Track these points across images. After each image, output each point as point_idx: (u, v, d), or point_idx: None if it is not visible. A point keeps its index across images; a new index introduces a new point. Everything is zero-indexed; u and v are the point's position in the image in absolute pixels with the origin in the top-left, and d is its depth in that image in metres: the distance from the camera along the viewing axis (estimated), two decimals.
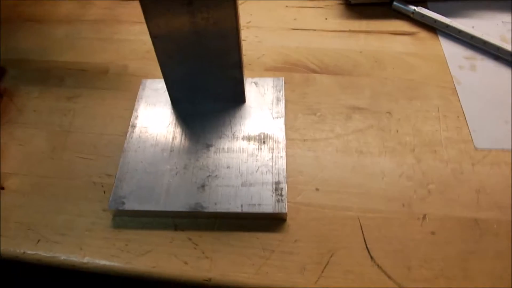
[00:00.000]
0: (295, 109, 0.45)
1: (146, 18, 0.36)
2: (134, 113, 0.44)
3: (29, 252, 0.38)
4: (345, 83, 0.47)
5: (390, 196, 0.38)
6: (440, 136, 0.42)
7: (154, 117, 0.44)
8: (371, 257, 0.35)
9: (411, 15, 0.52)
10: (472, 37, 0.49)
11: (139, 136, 0.42)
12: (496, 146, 0.41)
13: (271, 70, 0.49)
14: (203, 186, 0.39)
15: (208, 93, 0.43)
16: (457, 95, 0.45)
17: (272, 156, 0.40)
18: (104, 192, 0.40)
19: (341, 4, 0.56)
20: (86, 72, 0.51)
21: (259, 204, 0.37)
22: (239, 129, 0.42)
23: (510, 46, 0.47)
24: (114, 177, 0.40)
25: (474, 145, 0.41)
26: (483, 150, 0.41)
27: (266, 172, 0.39)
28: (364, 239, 0.36)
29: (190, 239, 0.37)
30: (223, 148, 0.41)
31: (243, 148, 0.41)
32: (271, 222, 0.38)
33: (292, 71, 0.49)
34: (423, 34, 0.51)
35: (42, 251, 0.37)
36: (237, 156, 0.40)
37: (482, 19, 0.52)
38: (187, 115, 0.44)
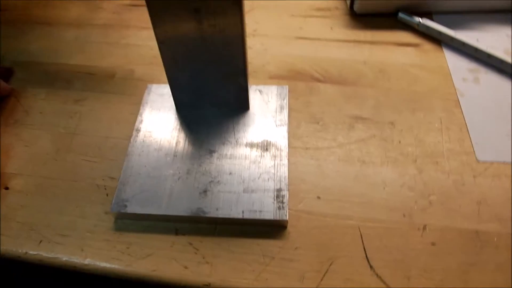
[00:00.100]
0: (299, 117, 0.45)
1: (153, 24, 0.36)
2: (139, 118, 0.45)
3: (31, 252, 0.38)
4: (349, 93, 0.47)
5: (391, 206, 0.39)
6: (442, 147, 0.42)
7: (159, 122, 0.44)
8: (371, 266, 0.35)
9: (416, 27, 0.53)
10: (476, 50, 0.49)
11: (143, 140, 0.43)
12: (498, 159, 0.41)
13: (276, 78, 0.50)
14: (205, 191, 0.39)
15: (212, 99, 0.44)
16: (460, 107, 0.45)
17: (274, 164, 0.40)
18: (107, 195, 0.41)
19: (346, 14, 0.56)
20: (94, 76, 0.51)
21: (260, 211, 0.37)
22: (242, 136, 0.42)
23: None
24: (118, 180, 0.40)
25: (476, 157, 0.41)
26: (485, 163, 0.41)
27: (268, 179, 0.39)
28: (364, 248, 0.36)
29: (191, 243, 0.37)
30: (226, 154, 0.41)
31: (245, 155, 0.41)
32: (272, 229, 0.38)
33: (297, 80, 0.49)
34: (428, 45, 0.52)
35: (43, 252, 0.38)
36: (240, 162, 0.41)
37: (487, 32, 0.52)
38: (191, 121, 0.44)
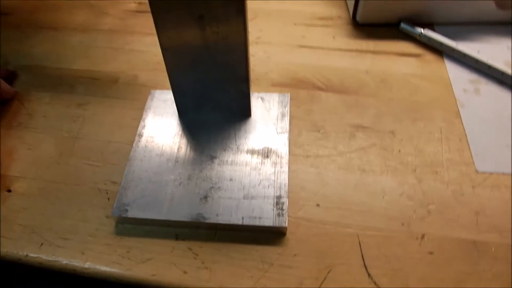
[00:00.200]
0: (300, 125, 0.46)
1: (157, 31, 0.37)
2: (142, 123, 0.45)
3: (31, 255, 0.38)
4: (350, 101, 0.48)
5: (390, 215, 0.39)
6: (442, 157, 0.42)
7: (161, 127, 0.45)
8: (369, 274, 0.35)
9: (418, 37, 0.53)
10: (477, 61, 0.49)
11: (145, 146, 0.43)
12: (497, 169, 0.41)
13: (278, 86, 0.50)
14: (205, 197, 0.39)
15: (214, 106, 0.44)
16: (460, 117, 0.45)
17: (274, 171, 0.41)
18: (108, 199, 0.41)
19: (349, 23, 0.57)
20: (97, 81, 0.52)
21: (260, 217, 0.37)
22: (244, 143, 0.43)
23: None
24: (119, 185, 0.40)
25: (475, 168, 0.41)
26: (484, 173, 0.41)
27: (268, 186, 0.39)
28: (363, 256, 0.36)
29: (190, 249, 0.38)
30: (227, 161, 0.42)
31: (246, 161, 0.41)
32: (271, 236, 0.38)
33: (299, 88, 0.49)
34: (429, 56, 0.52)
35: (44, 255, 0.38)
36: (240, 169, 0.41)
37: (488, 43, 0.53)
38: (193, 127, 0.45)
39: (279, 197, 0.39)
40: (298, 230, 0.38)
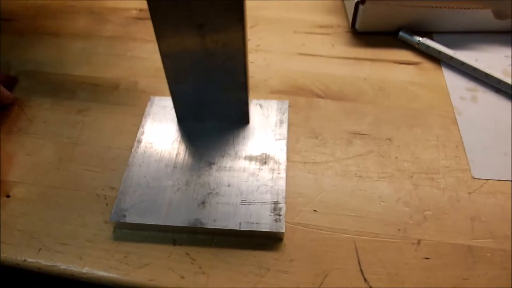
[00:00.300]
0: (298, 131, 0.46)
1: (157, 38, 0.37)
2: (141, 129, 0.45)
3: (30, 260, 0.38)
4: (349, 109, 0.48)
5: (386, 221, 0.39)
6: (439, 164, 0.42)
7: (160, 133, 0.45)
8: (365, 280, 0.36)
9: (416, 46, 0.54)
10: (475, 69, 0.50)
11: (144, 151, 0.43)
12: (493, 176, 0.41)
13: (277, 93, 0.50)
14: (203, 202, 0.39)
15: (213, 112, 0.45)
16: (457, 125, 0.46)
17: (272, 177, 0.41)
18: (107, 205, 0.41)
19: (348, 32, 0.57)
20: (98, 87, 0.52)
21: (257, 223, 0.38)
22: (242, 149, 0.43)
23: (511, 79, 0.48)
24: (118, 190, 0.41)
25: (471, 174, 0.41)
26: (480, 180, 0.41)
27: (266, 191, 0.40)
28: (359, 261, 0.37)
29: (188, 254, 0.38)
30: (225, 167, 0.42)
31: (244, 168, 0.42)
32: (268, 241, 0.38)
33: (297, 95, 0.50)
34: (427, 64, 0.53)
35: (42, 260, 0.38)
36: (238, 175, 0.41)
37: (485, 52, 0.53)
38: (192, 133, 0.45)
39: (276, 203, 0.39)
40: (295, 235, 0.39)
